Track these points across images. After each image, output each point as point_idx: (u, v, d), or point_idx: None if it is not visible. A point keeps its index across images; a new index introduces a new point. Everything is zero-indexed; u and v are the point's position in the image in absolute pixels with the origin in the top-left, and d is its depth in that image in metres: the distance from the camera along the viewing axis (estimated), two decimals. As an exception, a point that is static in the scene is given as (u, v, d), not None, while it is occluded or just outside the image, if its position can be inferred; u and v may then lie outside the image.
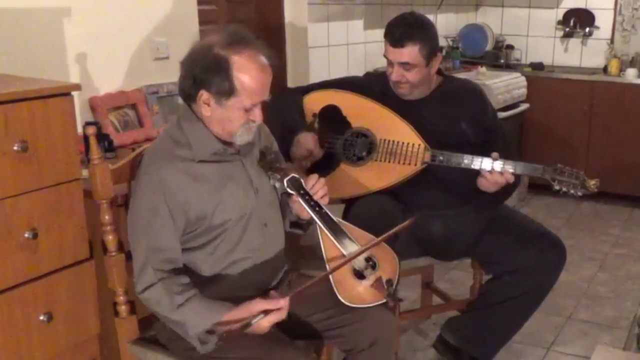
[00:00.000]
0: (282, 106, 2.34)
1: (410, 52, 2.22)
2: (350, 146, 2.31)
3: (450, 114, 2.33)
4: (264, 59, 1.66)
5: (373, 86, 2.40)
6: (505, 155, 2.30)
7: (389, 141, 2.26)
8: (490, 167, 2.13)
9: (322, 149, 2.29)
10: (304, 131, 2.27)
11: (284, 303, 1.61)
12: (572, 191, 2.10)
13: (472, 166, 2.15)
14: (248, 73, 1.62)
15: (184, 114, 1.74)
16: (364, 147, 2.29)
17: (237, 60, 1.62)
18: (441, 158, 2.18)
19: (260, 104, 1.69)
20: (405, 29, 2.22)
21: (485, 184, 2.16)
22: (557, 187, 2.13)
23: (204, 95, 1.65)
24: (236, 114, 1.66)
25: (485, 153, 2.27)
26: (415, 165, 2.22)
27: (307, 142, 2.25)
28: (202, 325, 1.63)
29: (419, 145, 2.22)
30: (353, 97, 2.34)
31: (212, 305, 1.65)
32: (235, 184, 1.75)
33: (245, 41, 1.65)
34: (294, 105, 2.36)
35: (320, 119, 2.35)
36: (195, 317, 1.63)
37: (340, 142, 2.32)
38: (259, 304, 1.61)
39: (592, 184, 2.10)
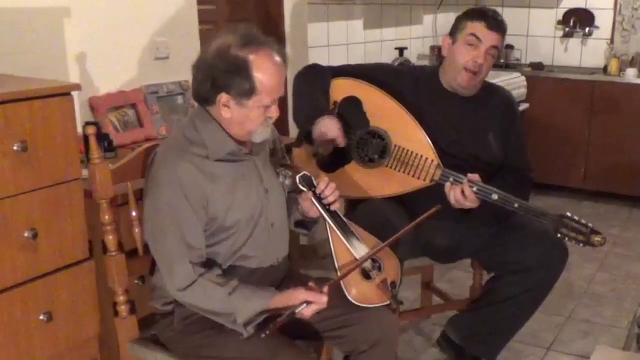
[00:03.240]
0: (311, 83, 2.32)
1: (501, 40, 2.26)
2: (364, 145, 2.27)
3: (481, 122, 2.32)
4: (278, 56, 1.68)
5: (407, 75, 2.38)
6: (515, 173, 2.30)
7: (403, 149, 2.23)
8: (495, 200, 2.08)
9: (346, 138, 2.23)
10: (327, 116, 2.21)
11: (324, 297, 1.65)
12: (573, 242, 2.04)
13: (478, 196, 2.11)
14: (267, 72, 1.64)
15: (198, 114, 1.73)
16: (377, 149, 2.25)
17: (255, 60, 1.63)
18: (451, 180, 2.15)
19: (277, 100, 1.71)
20: (502, 19, 2.28)
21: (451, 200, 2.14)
22: (559, 236, 2.06)
23: (223, 97, 1.65)
24: (256, 112, 1.67)
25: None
26: (424, 181, 2.19)
27: (331, 129, 2.18)
28: (253, 311, 1.65)
29: (432, 161, 2.18)
30: (378, 94, 2.30)
31: (258, 291, 1.68)
32: (247, 184, 1.75)
33: (259, 40, 1.66)
34: (323, 86, 2.32)
35: (341, 109, 2.31)
36: (246, 304, 1.65)
37: (356, 139, 2.28)
38: (302, 294, 1.65)
39: (597, 240, 1.99)
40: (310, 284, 1.69)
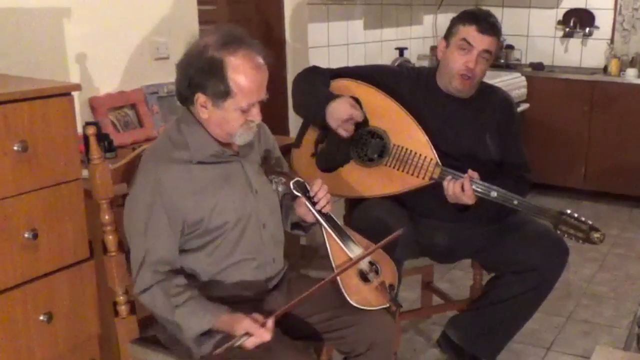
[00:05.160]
0: (312, 80, 2.32)
1: (494, 42, 2.24)
2: (363, 145, 2.28)
3: (478, 122, 2.32)
4: (259, 58, 1.65)
5: (405, 77, 2.38)
6: (513, 173, 2.30)
7: (402, 148, 2.23)
8: (494, 197, 2.09)
9: (362, 111, 2.22)
10: (334, 100, 2.20)
11: (267, 333, 1.55)
12: (573, 239, 2.06)
13: (477, 194, 2.11)
14: (243, 73, 1.62)
15: (183, 115, 1.74)
16: (376, 148, 2.26)
17: (232, 61, 1.61)
18: (450, 178, 2.15)
19: (259, 104, 1.68)
20: (495, 21, 2.26)
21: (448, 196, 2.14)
22: (558, 233, 2.08)
23: (200, 98, 1.65)
24: (234, 115, 1.66)
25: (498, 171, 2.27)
26: (424, 179, 2.19)
27: (343, 108, 2.18)
28: (198, 327, 1.62)
29: (431, 159, 2.19)
30: (377, 95, 2.30)
31: (208, 307, 1.63)
32: (232, 185, 1.74)
33: (239, 41, 1.64)
34: (323, 81, 2.32)
35: None
36: (192, 319, 1.62)
37: (355, 139, 2.29)
38: (245, 323, 1.56)
39: (597, 237, 2.02)
40: (255, 314, 1.59)
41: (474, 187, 2.10)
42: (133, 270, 1.70)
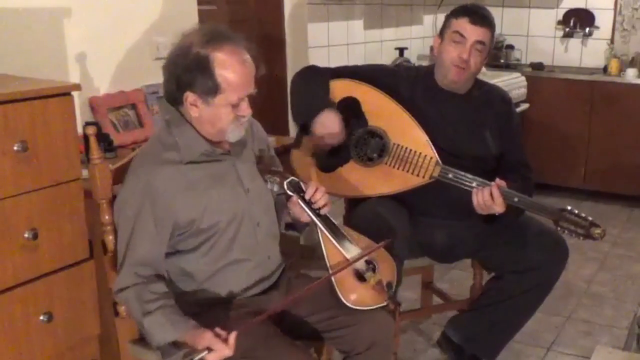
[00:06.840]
0: (310, 80, 2.32)
1: (487, 34, 2.25)
2: (363, 144, 2.28)
3: (477, 119, 2.32)
4: (244, 53, 1.65)
5: (403, 75, 2.38)
6: (517, 172, 2.29)
7: (401, 147, 2.23)
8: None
9: (346, 132, 2.23)
10: (327, 110, 2.21)
11: (227, 349, 1.52)
12: (573, 235, 2.05)
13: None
14: (230, 68, 1.62)
15: (172, 117, 1.73)
16: (376, 148, 2.26)
17: (218, 57, 1.61)
18: (450, 176, 2.15)
19: (247, 99, 1.68)
20: (487, 13, 2.28)
21: (475, 206, 2.12)
22: (559, 229, 2.07)
23: (189, 96, 1.64)
24: (224, 111, 1.66)
25: (498, 167, 2.26)
26: (424, 178, 2.19)
27: (331, 122, 2.19)
28: (162, 339, 1.60)
29: (431, 158, 2.19)
30: (376, 94, 2.30)
31: (175, 321, 1.60)
32: (224, 185, 1.74)
33: (223, 36, 1.64)
34: (322, 83, 2.31)
35: (339, 109, 2.30)
36: (159, 329, 1.60)
37: (354, 139, 2.29)
38: (206, 338, 1.52)
39: (597, 232, 2.00)
40: (217, 329, 1.54)
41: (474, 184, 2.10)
42: (117, 267, 1.70)
